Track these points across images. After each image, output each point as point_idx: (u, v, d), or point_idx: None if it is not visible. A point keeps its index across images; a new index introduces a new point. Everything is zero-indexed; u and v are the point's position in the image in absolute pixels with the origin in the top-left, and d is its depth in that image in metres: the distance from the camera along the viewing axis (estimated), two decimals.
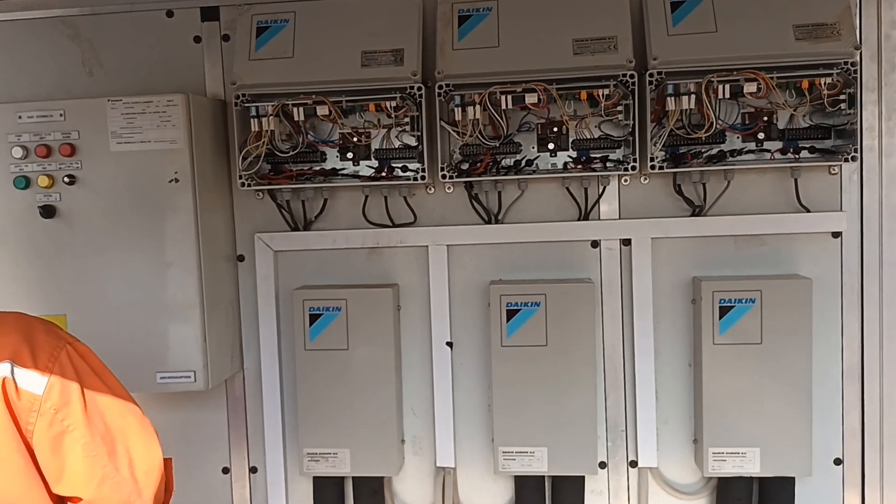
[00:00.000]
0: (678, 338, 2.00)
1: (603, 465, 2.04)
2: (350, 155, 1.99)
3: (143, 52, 2.08)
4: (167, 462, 1.30)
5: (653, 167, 1.84)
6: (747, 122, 1.89)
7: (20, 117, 1.83)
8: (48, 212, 1.83)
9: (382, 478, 2.07)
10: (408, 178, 1.97)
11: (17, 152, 1.82)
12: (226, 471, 2.15)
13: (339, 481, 2.08)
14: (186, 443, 2.13)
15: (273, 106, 1.90)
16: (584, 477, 2.01)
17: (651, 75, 1.81)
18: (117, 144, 1.82)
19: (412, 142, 1.96)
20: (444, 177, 1.91)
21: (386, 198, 2.03)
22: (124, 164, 1.83)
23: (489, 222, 2.02)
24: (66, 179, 1.83)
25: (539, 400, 1.95)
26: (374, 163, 2.00)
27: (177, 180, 1.84)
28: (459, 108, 1.87)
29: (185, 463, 2.04)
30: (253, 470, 2.15)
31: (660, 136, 1.84)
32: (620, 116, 1.87)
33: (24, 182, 1.84)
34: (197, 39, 2.07)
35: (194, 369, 1.88)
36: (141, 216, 1.85)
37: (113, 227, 1.85)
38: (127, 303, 1.86)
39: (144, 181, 1.84)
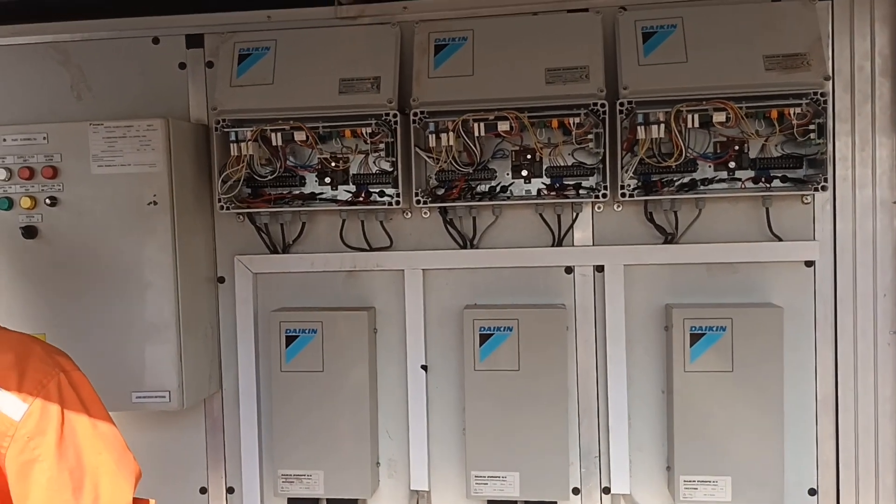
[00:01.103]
0: (651, 364, 2.00)
1: (576, 491, 2.04)
2: (328, 180, 2.03)
3: (131, 78, 2.13)
4: (143, 503, 1.28)
5: (623, 195, 1.86)
6: (719, 150, 1.91)
7: (4, 140, 1.88)
8: (30, 232, 1.87)
9: (356, 500, 2.08)
10: (384, 203, 2.00)
11: (1, 174, 1.87)
12: (203, 491, 2.17)
13: (314, 503, 2.09)
14: (165, 462, 2.15)
15: (252, 131, 1.94)
16: (556, 503, 2.01)
17: (622, 104, 1.83)
18: (98, 167, 1.86)
19: (388, 167, 1.99)
20: (419, 202, 1.94)
21: (363, 222, 2.06)
22: (105, 187, 1.88)
23: (464, 247, 2.05)
24: (47, 201, 1.87)
25: (511, 424, 1.95)
26: (352, 187, 2.03)
27: (155, 203, 1.88)
28: (434, 135, 1.90)
29: (164, 482, 2.10)
30: (230, 490, 2.17)
31: (631, 165, 1.86)
32: (592, 144, 1.89)
33: (7, 203, 1.88)
34: (182, 66, 2.12)
35: (169, 389, 1.91)
36: (120, 237, 1.89)
37: (93, 248, 1.89)
38: (104, 322, 1.89)
39: (124, 203, 1.88)
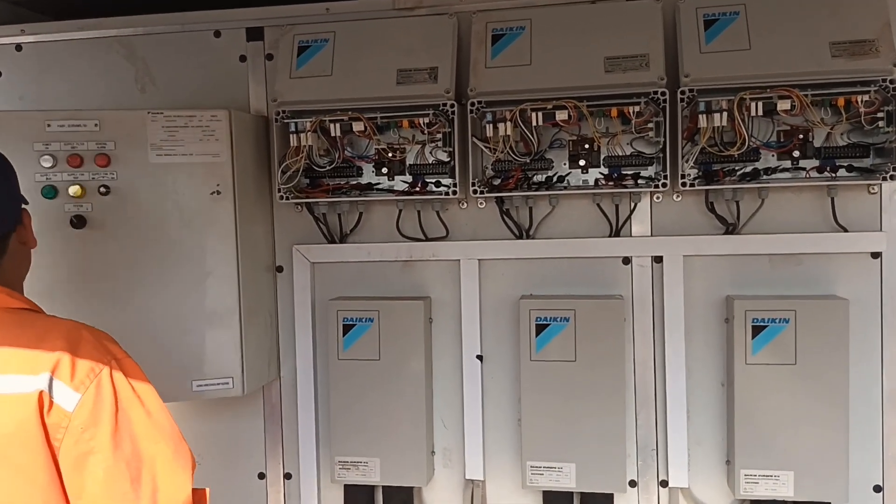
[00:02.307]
0: (710, 357, 1.98)
1: (633, 483, 2.02)
2: (385, 170, 2.04)
3: (193, 70, 2.18)
4: (200, 493, 1.24)
5: (683, 184, 1.84)
6: (782, 139, 1.87)
7: (49, 125, 1.84)
8: (80, 222, 1.84)
9: (412, 488, 2.10)
10: (441, 193, 2.01)
11: (46, 161, 1.83)
12: (262, 476, 2.21)
13: (370, 490, 2.11)
14: (224, 448, 2.19)
15: (311, 122, 1.96)
16: (613, 494, 2.00)
17: (683, 92, 1.81)
18: (157, 156, 1.88)
19: (445, 157, 2.00)
20: (475, 192, 1.94)
21: (419, 212, 2.07)
22: (164, 176, 1.88)
23: (520, 237, 2.04)
24: (102, 189, 1.85)
25: (568, 416, 1.95)
26: (409, 178, 2.04)
27: (219, 192, 1.91)
28: (491, 125, 1.90)
29: (223, 468, 2.15)
30: (287, 476, 2.20)
31: (692, 154, 1.84)
32: (651, 134, 1.87)
33: (53, 192, 1.85)
34: (242, 58, 2.15)
35: (232, 375, 1.94)
36: (181, 227, 1.90)
37: (151, 237, 1.88)
38: (163, 313, 1.89)
39: (185, 193, 1.90)
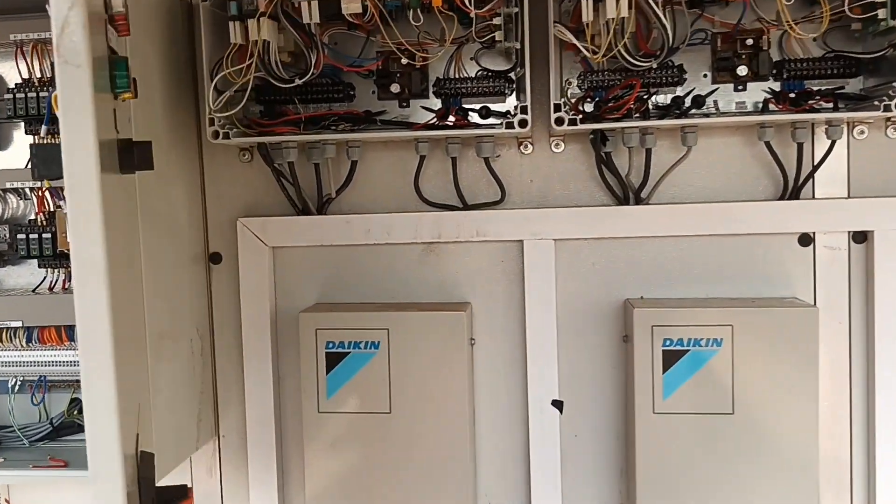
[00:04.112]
0: None
1: None
2: (395, 88, 1.20)
3: None
4: None
5: None
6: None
7: None
8: None
9: None
10: (493, 127, 1.17)
11: None
12: None
13: None
14: None
15: (267, 0, 1.10)
16: None
17: None
18: None
19: (501, 65, 1.16)
20: (559, 122, 1.10)
21: (454, 160, 1.23)
22: None
23: (625, 202, 1.22)
24: None
25: (719, 496, 1.15)
26: (436, 102, 1.20)
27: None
28: (588, 2, 1.06)
29: None
30: None
31: None
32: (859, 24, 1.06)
33: None
34: None
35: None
36: None
37: None
38: None
39: None
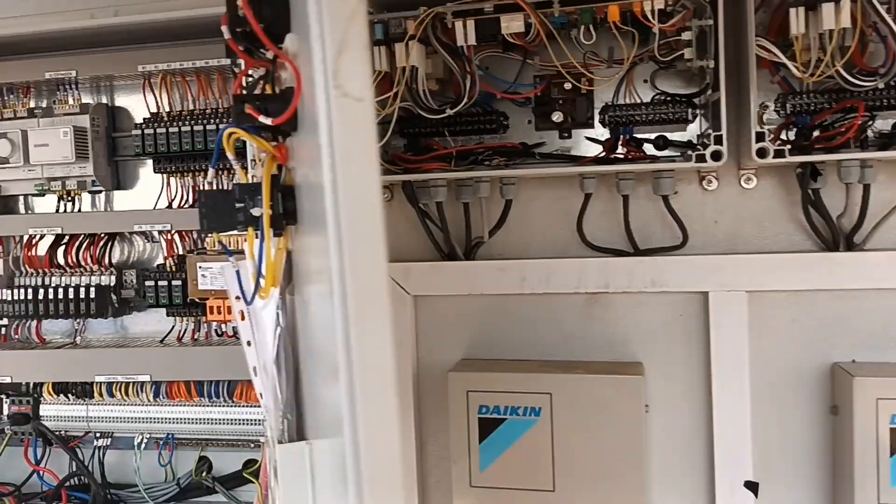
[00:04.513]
0: None
1: None
2: (558, 117, 1.05)
3: None
4: None
5: None
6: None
7: None
8: None
9: None
10: (673, 160, 1.00)
11: None
12: None
13: None
14: None
15: (416, 20, 0.97)
16: None
17: None
18: None
19: (679, 87, 0.99)
20: (762, 154, 0.92)
21: (625, 198, 1.06)
22: None
23: (834, 247, 1.02)
24: None
25: None
26: (602, 131, 1.04)
27: None
28: (799, 10, 0.88)
29: None
30: None
31: None
32: None
33: None
34: None
35: None
36: None
37: None
38: None
39: None
